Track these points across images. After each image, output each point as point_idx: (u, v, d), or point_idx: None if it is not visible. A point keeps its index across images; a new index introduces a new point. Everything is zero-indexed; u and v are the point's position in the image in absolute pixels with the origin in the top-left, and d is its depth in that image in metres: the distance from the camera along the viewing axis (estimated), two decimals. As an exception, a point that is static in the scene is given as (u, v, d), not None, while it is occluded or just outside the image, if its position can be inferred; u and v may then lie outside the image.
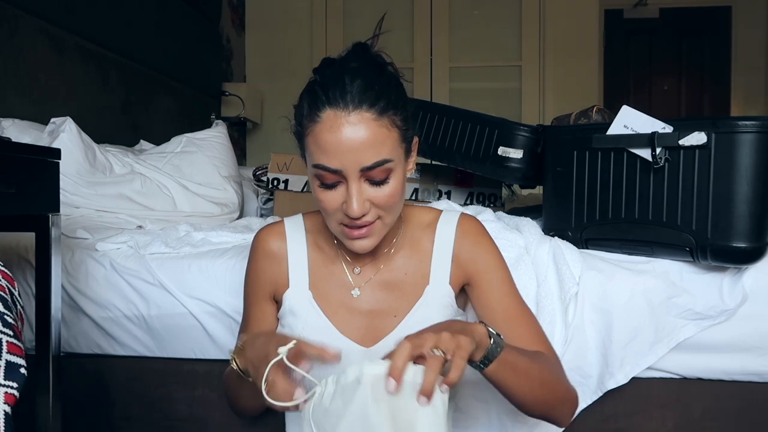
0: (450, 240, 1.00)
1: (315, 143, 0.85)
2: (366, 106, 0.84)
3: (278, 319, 1.02)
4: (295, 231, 1.04)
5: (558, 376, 0.94)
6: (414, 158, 0.95)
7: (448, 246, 1.00)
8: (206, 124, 2.65)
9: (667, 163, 1.18)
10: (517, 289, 1.02)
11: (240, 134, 4.14)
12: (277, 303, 1.03)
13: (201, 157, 2.08)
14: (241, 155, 4.10)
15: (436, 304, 0.98)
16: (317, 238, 1.03)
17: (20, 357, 0.75)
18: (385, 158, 0.85)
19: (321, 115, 0.84)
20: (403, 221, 1.02)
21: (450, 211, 1.05)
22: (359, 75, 0.85)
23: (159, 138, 2.40)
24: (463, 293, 1.04)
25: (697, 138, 1.14)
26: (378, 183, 0.87)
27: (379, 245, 0.96)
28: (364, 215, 0.87)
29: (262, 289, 1.03)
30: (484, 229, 1.03)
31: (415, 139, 0.94)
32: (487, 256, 1.00)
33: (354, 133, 0.83)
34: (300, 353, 0.77)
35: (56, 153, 1.13)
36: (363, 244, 0.91)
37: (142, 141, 2.38)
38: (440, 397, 0.73)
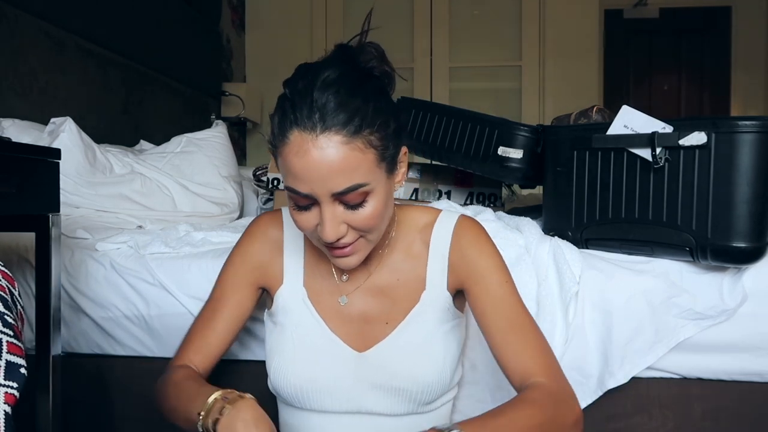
0: (446, 242, 0.95)
1: (284, 166, 0.80)
2: (336, 128, 0.77)
3: (249, 317, 1.00)
4: (293, 223, 0.98)
5: (548, 417, 0.82)
6: (404, 169, 0.89)
7: (444, 249, 0.95)
8: (206, 124, 2.65)
9: (667, 163, 1.18)
10: (516, 294, 0.93)
11: (240, 134, 4.14)
12: (266, 294, 1.00)
13: (201, 157, 2.08)
14: (241, 155, 4.10)
15: (433, 309, 0.94)
16: None
17: (20, 357, 0.75)
18: (359, 183, 0.79)
19: (289, 137, 0.78)
20: (397, 223, 0.97)
21: (449, 211, 1.00)
22: (331, 90, 0.78)
23: (159, 138, 2.41)
24: (461, 295, 1.00)
25: (697, 138, 1.14)
26: (354, 206, 0.81)
27: (372, 249, 0.91)
28: (340, 239, 0.82)
29: (248, 275, 0.98)
30: (483, 230, 0.97)
31: (403, 150, 0.88)
32: (483, 259, 0.93)
33: (322, 158, 0.76)
34: None
35: (56, 153, 1.13)
36: (347, 262, 0.86)
37: (142, 141, 2.38)
38: None
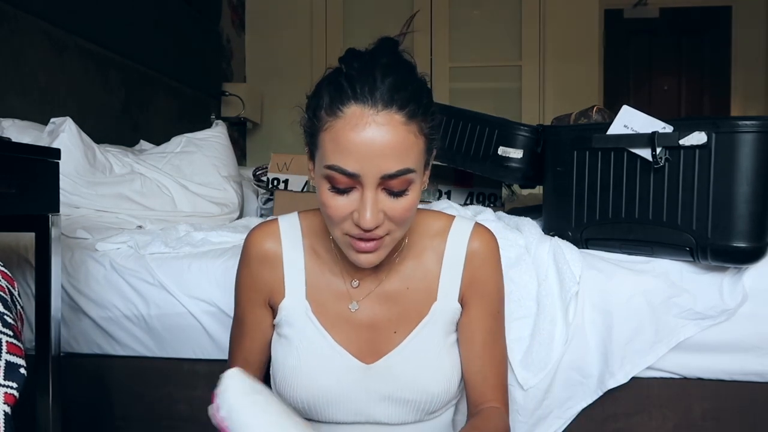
0: (461, 254, 0.93)
1: (333, 141, 0.77)
2: (396, 107, 0.75)
3: (274, 326, 0.97)
4: (290, 233, 0.96)
5: None
6: (429, 172, 0.87)
7: (459, 260, 0.93)
8: (206, 124, 2.65)
9: (667, 163, 1.18)
10: (503, 324, 0.97)
11: (240, 134, 4.14)
12: (272, 309, 0.97)
13: (201, 157, 2.08)
14: (241, 155, 4.10)
15: (442, 321, 0.93)
16: (314, 242, 0.95)
17: (20, 357, 0.75)
18: (409, 167, 0.77)
19: (345, 110, 0.76)
20: (409, 229, 0.91)
21: (463, 218, 0.97)
22: (391, 72, 0.77)
23: (159, 138, 2.41)
24: None
25: (697, 138, 1.14)
26: (396, 194, 0.79)
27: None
28: (376, 227, 0.79)
29: (256, 295, 0.96)
30: (497, 247, 0.96)
31: (433, 152, 0.87)
32: (492, 282, 0.94)
33: (380, 135, 0.75)
34: None
35: (56, 153, 1.13)
36: (369, 259, 0.83)
37: (142, 141, 2.38)
38: None
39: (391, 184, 0.78)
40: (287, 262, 0.95)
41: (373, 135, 0.75)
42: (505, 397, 0.95)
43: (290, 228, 0.97)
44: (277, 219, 0.99)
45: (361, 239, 0.81)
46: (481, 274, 0.93)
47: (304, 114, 0.84)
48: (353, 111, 0.76)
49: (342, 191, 0.79)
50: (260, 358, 0.99)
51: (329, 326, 0.92)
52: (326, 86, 0.80)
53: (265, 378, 1.00)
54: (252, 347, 0.98)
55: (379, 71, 0.77)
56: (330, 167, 0.78)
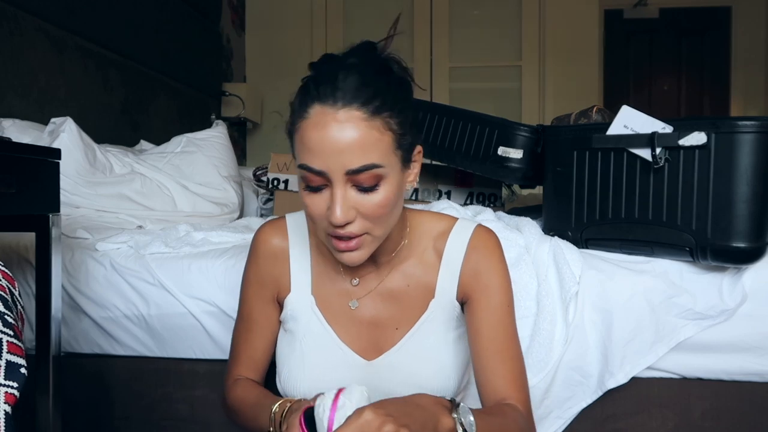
0: (461, 252, 0.94)
1: (301, 141, 0.80)
2: (357, 104, 0.77)
3: (280, 323, 0.99)
4: (297, 230, 0.99)
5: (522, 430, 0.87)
6: (417, 170, 0.88)
7: (458, 258, 0.94)
8: (206, 124, 2.65)
9: (667, 163, 1.18)
10: (513, 319, 0.94)
11: (240, 134, 4.14)
12: (279, 305, 0.99)
13: (201, 157, 2.08)
14: (241, 155, 4.10)
15: (441, 318, 0.94)
16: (319, 240, 0.96)
17: (20, 357, 0.75)
18: (374, 163, 0.78)
19: (309, 111, 0.79)
20: (410, 229, 0.95)
21: (466, 220, 0.98)
22: (355, 71, 0.79)
23: (159, 138, 2.41)
24: None
25: (697, 138, 1.14)
26: (366, 190, 0.80)
27: (382, 254, 0.92)
28: (348, 223, 0.80)
29: (264, 291, 0.98)
30: (499, 244, 0.96)
31: (418, 148, 0.87)
32: (493, 276, 0.93)
33: (341, 132, 0.77)
34: None
35: (56, 153, 1.13)
36: (351, 257, 0.84)
37: (142, 141, 2.38)
38: None
39: (359, 180, 0.79)
40: (294, 257, 0.97)
41: (334, 132, 0.77)
42: (522, 395, 0.90)
43: (297, 225, 0.99)
44: (284, 217, 1.01)
45: (339, 238, 0.82)
46: (482, 268, 0.94)
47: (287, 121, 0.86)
48: (316, 110, 0.78)
49: (315, 189, 0.81)
50: (266, 357, 1.00)
51: (333, 322, 0.94)
52: (298, 92, 0.83)
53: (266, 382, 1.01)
54: (259, 346, 0.99)
55: (343, 71, 0.79)
56: (301, 167, 0.81)
